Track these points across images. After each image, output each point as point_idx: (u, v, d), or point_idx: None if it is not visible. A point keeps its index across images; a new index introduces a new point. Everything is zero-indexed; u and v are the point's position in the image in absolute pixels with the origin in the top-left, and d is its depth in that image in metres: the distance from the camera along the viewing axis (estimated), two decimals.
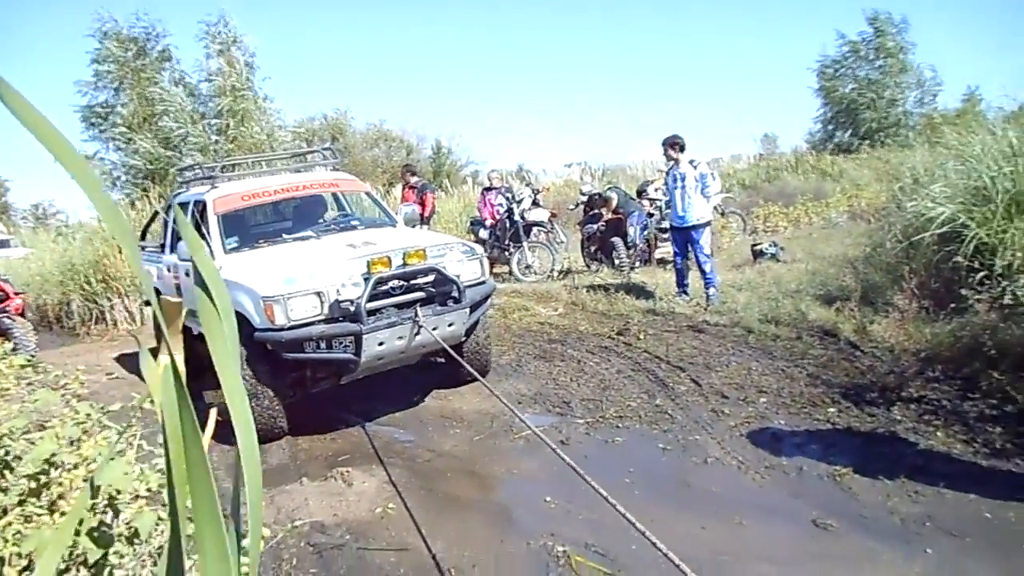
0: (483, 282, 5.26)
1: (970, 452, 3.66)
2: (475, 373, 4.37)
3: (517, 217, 10.64)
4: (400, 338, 4.75)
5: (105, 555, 1.82)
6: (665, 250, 9.48)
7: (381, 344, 4.68)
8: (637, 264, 9.82)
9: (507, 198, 11.09)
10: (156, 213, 8.03)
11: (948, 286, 5.26)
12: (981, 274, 4.86)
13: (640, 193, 10.67)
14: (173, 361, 0.77)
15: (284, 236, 5.85)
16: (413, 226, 6.46)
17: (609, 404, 4.95)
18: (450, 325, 4.91)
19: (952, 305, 5.05)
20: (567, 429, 4.61)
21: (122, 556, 1.97)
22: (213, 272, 0.84)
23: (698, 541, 3.10)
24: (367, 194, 6.98)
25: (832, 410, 4.38)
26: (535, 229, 10.87)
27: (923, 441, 3.83)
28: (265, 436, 4.80)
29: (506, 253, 10.79)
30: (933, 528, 3.04)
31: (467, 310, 4.96)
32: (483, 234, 11.35)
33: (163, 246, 6.64)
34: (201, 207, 5.87)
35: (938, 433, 3.88)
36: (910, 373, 4.64)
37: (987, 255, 4.95)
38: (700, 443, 4.18)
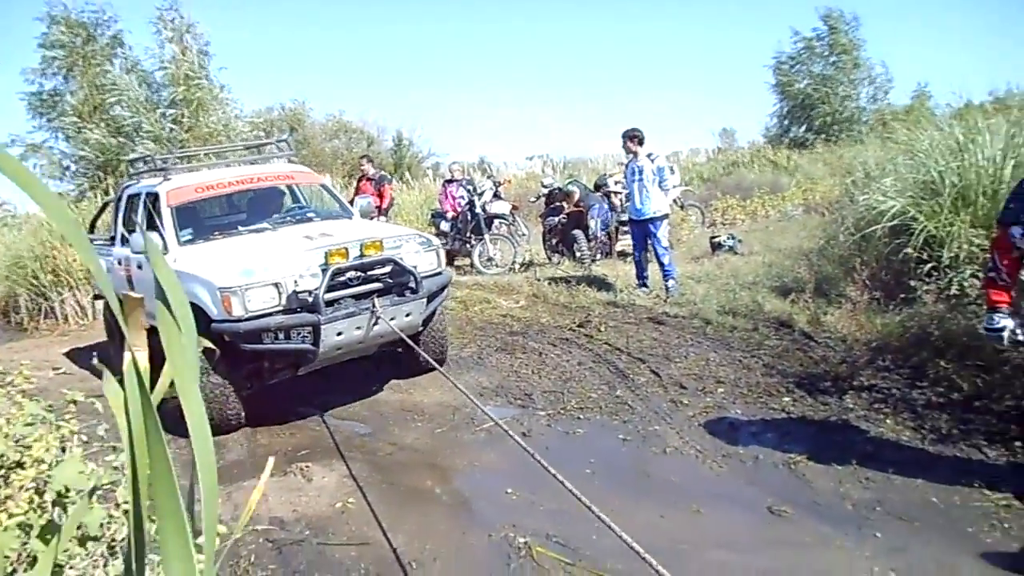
0: (439, 273, 5.32)
1: (918, 439, 3.78)
2: (432, 362, 4.44)
3: (478, 210, 10.61)
4: (358, 328, 4.76)
5: (55, 555, 1.77)
6: (626, 243, 9.56)
7: (339, 334, 4.69)
8: (598, 257, 9.87)
9: (468, 190, 11.05)
10: (105, 204, 7.82)
11: (898, 277, 5.40)
12: (929, 266, 5.01)
13: (598, 187, 10.73)
14: (135, 358, 0.74)
15: (239, 228, 5.77)
16: (370, 218, 6.44)
17: (570, 396, 4.98)
18: (407, 315, 4.94)
19: (901, 296, 5.20)
20: (529, 421, 4.63)
21: (72, 556, 1.92)
22: (170, 276, 0.82)
23: (657, 529, 3.15)
24: (323, 186, 6.95)
25: (787, 399, 4.48)
26: (496, 222, 10.87)
27: (874, 428, 3.94)
28: (222, 428, 4.82)
29: (467, 246, 10.77)
30: (883, 513, 3.14)
31: (424, 300, 5.01)
32: (444, 226, 11.30)
33: (113, 238, 6.48)
34: (153, 199, 5.75)
35: (888, 420, 4.00)
36: (861, 362, 4.76)
37: (935, 247, 5.10)
38: (659, 433, 4.24)
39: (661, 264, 7.46)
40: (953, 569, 2.70)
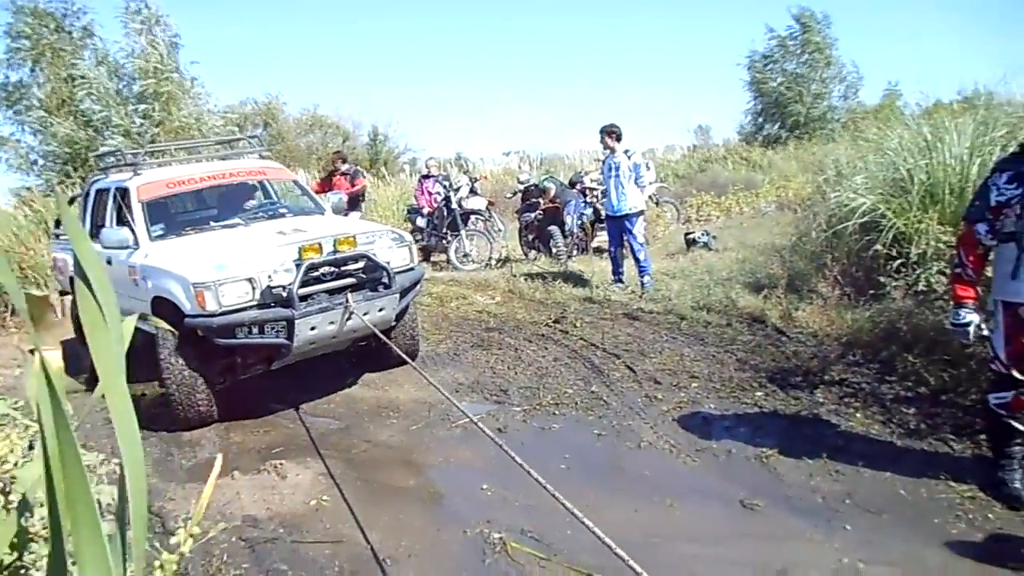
0: (412, 268, 5.38)
1: (887, 432, 3.85)
2: (405, 356, 4.46)
3: (455, 205, 10.59)
4: (332, 323, 4.78)
5: (20, 556, 1.73)
6: (602, 239, 9.59)
7: (313, 329, 4.71)
8: (574, 253, 9.91)
9: (445, 186, 11.02)
10: (72, 199, 7.69)
11: (868, 274, 5.49)
12: (898, 262, 5.09)
13: (573, 184, 10.76)
14: (43, 359, 0.71)
15: (211, 224, 5.74)
16: (343, 214, 6.44)
17: (546, 391, 4.99)
18: (380, 310, 4.98)
19: (871, 292, 5.28)
20: (504, 417, 4.63)
21: (39, 557, 1.89)
22: (97, 268, 0.79)
23: (631, 524, 3.17)
24: (295, 182, 6.94)
25: (759, 394, 4.53)
26: (473, 217, 10.85)
27: (843, 422, 4.00)
28: (196, 422, 4.86)
29: (444, 241, 10.74)
30: (852, 505, 3.19)
31: (397, 295, 5.05)
32: (420, 222, 11.26)
33: None
34: (123, 194, 5.68)
35: (857, 415, 4.06)
36: (832, 357, 4.83)
37: (903, 244, 5.18)
38: (634, 428, 4.26)
39: (637, 260, 7.50)
40: (919, 559, 2.76)
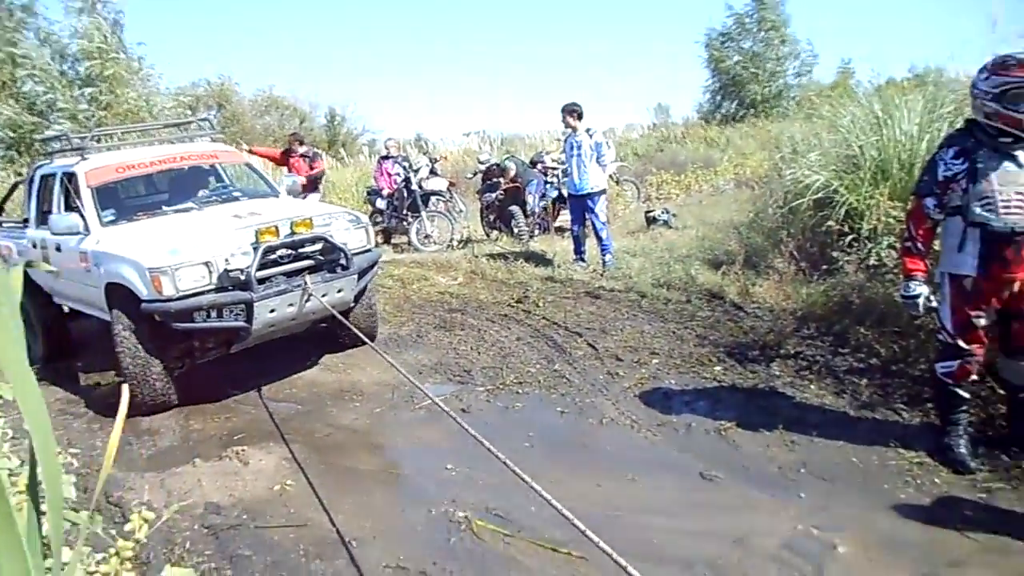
0: (369, 250, 5.37)
1: (840, 403, 3.96)
2: (364, 337, 4.47)
3: (415, 186, 10.49)
4: (291, 305, 4.75)
5: None
6: (564, 219, 9.62)
7: (272, 311, 4.68)
8: (536, 232, 9.91)
9: (404, 167, 10.91)
10: (16, 185, 7.45)
11: (822, 249, 5.60)
12: (850, 237, 5.20)
13: (534, 163, 10.74)
14: None
15: (164, 208, 5.61)
16: (301, 196, 6.38)
17: (509, 371, 5.02)
18: (339, 291, 4.97)
19: (825, 267, 5.39)
20: (468, 397, 4.65)
21: None
22: None
23: (593, 498, 3.22)
24: (248, 166, 6.82)
25: (718, 368, 4.62)
26: (433, 198, 10.78)
27: (799, 394, 4.11)
28: (153, 408, 4.83)
29: (404, 223, 10.65)
30: (807, 474, 3.29)
31: (355, 276, 5.04)
32: (380, 204, 11.15)
33: (26, 220, 6.21)
34: (71, 178, 5.51)
35: (812, 386, 4.17)
36: (788, 331, 4.94)
37: (856, 219, 5.29)
38: (596, 405, 4.32)
39: (599, 239, 7.55)
40: (870, 523, 2.85)
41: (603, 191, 7.67)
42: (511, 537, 3.00)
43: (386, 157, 11.53)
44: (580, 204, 7.66)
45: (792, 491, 3.15)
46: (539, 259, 8.26)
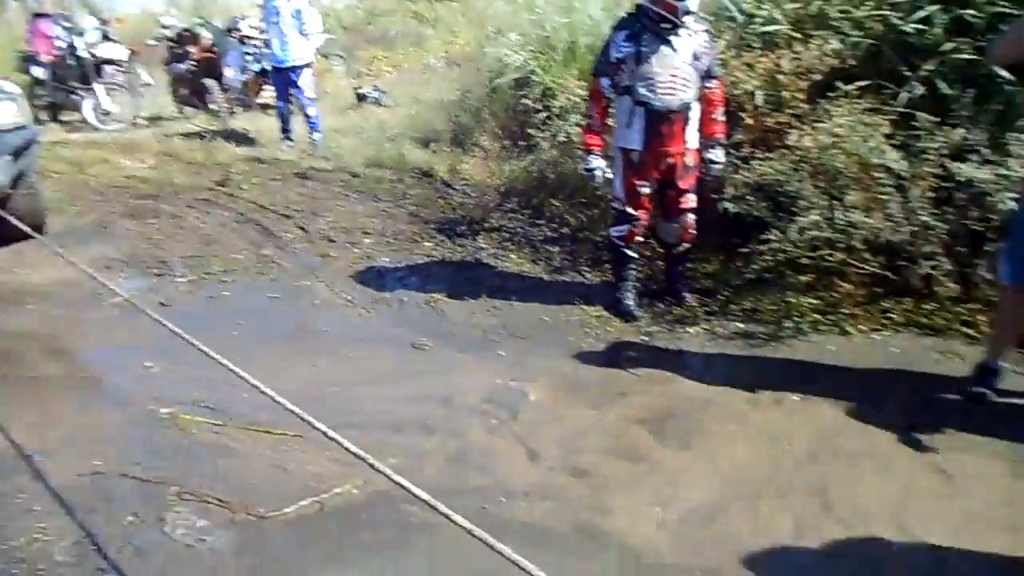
0: (23, 127, 4.48)
1: (537, 270, 4.38)
2: (28, 230, 3.84)
3: (83, 53, 8.95)
4: None
5: None
6: (269, 94, 8.93)
7: None
8: (236, 109, 9.13)
9: (67, 28, 9.20)
10: None
11: (522, 127, 5.92)
12: (544, 115, 5.56)
13: (231, 30, 9.73)
14: None
15: None
16: None
17: (213, 259, 4.71)
18: None
19: (524, 144, 5.74)
20: (167, 290, 4.30)
21: None
22: None
23: (309, 378, 3.23)
24: None
25: (429, 244, 4.80)
26: (109, 68, 9.28)
27: (501, 264, 4.45)
28: None
29: (74, 97, 9.11)
30: (506, 335, 3.63)
31: (8, 158, 4.22)
32: (39, 73, 9.34)
33: None
34: None
35: (512, 256, 4.54)
36: (492, 206, 5.25)
37: (550, 98, 5.65)
38: (309, 288, 4.27)
39: (307, 116, 7.19)
40: (557, 370, 3.26)
41: (308, 64, 7.23)
42: (222, 427, 2.91)
43: (40, 15, 9.58)
44: (284, 78, 7.17)
45: (493, 351, 3.47)
46: (241, 138, 7.69)
